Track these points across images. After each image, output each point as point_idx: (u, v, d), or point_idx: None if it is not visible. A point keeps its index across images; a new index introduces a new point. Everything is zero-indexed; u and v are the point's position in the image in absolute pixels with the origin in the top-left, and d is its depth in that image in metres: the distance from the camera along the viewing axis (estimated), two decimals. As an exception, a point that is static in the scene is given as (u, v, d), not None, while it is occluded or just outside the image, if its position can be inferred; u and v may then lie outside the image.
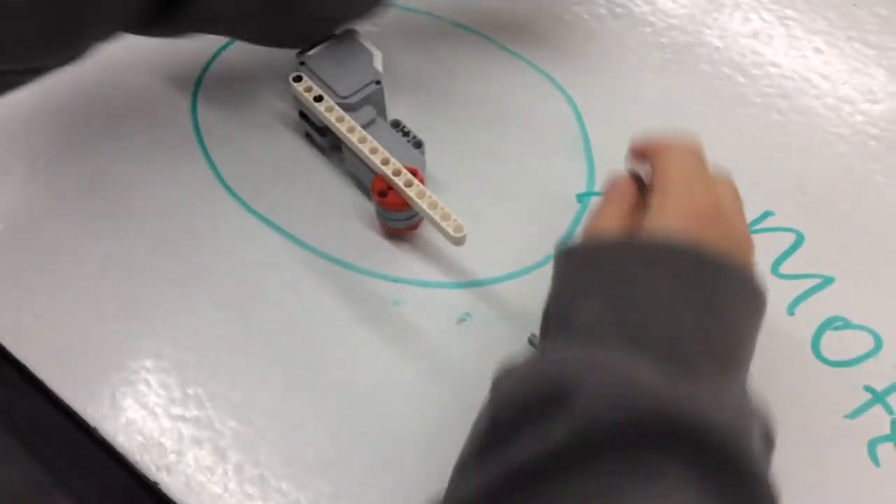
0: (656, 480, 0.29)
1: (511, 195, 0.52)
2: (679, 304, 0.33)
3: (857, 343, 0.47)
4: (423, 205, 0.46)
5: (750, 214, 0.41)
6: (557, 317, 0.37)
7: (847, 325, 0.47)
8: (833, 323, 0.47)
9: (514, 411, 0.32)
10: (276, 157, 0.54)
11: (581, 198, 0.52)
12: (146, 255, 0.50)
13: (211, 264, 0.49)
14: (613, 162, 0.47)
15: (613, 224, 0.38)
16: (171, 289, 0.48)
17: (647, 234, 0.36)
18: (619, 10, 0.62)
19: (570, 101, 0.56)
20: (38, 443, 0.46)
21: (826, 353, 0.47)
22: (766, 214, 0.52)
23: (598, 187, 0.52)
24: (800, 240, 0.51)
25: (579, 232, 0.43)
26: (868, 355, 0.46)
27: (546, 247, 0.50)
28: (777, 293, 0.44)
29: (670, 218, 0.36)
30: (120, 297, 0.48)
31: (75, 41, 0.44)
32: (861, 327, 0.47)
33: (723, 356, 0.34)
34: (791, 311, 0.48)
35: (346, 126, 0.49)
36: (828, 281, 0.49)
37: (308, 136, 0.54)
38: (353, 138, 0.48)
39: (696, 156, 0.39)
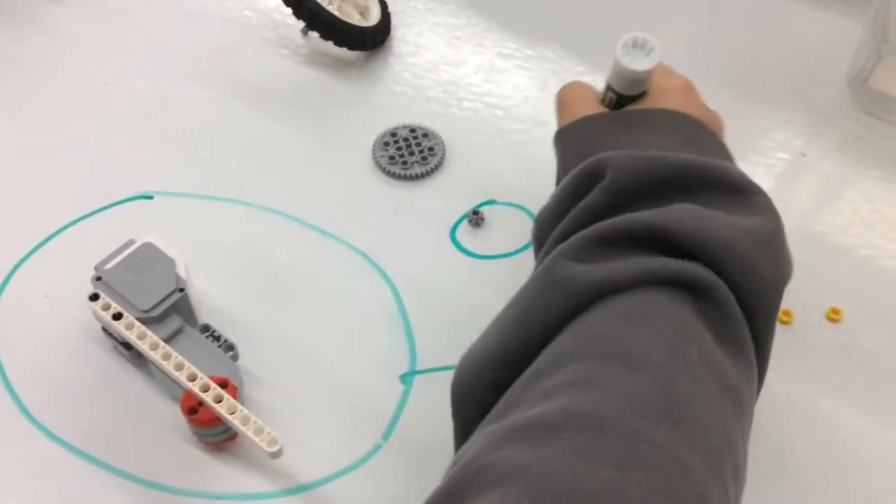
0: None
1: (334, 383, 0.51)
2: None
3: None
4: (235, 421, 0.44)
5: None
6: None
7: None
8: None
9: (565, 191, 0.42)
10: (83, 376, 0.51)
11: (405, 378, 0.51)
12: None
13: (12, 509, 0.45)
14: (434, 338, 0.50)
15: (595, 107, 0.47)
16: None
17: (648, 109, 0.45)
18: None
19: (385, 277, 0.56)
20: None
21: None
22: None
23: (418, 366, 0.52)
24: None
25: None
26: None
27: (374, 436, 0.49)
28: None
29: (669, 103, 0.45)
30: None
31: None
32: None
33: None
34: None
35: (148, 343, 0.47)
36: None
37: (116, 349, 0.52)
38: (156, 355, 0.46)
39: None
